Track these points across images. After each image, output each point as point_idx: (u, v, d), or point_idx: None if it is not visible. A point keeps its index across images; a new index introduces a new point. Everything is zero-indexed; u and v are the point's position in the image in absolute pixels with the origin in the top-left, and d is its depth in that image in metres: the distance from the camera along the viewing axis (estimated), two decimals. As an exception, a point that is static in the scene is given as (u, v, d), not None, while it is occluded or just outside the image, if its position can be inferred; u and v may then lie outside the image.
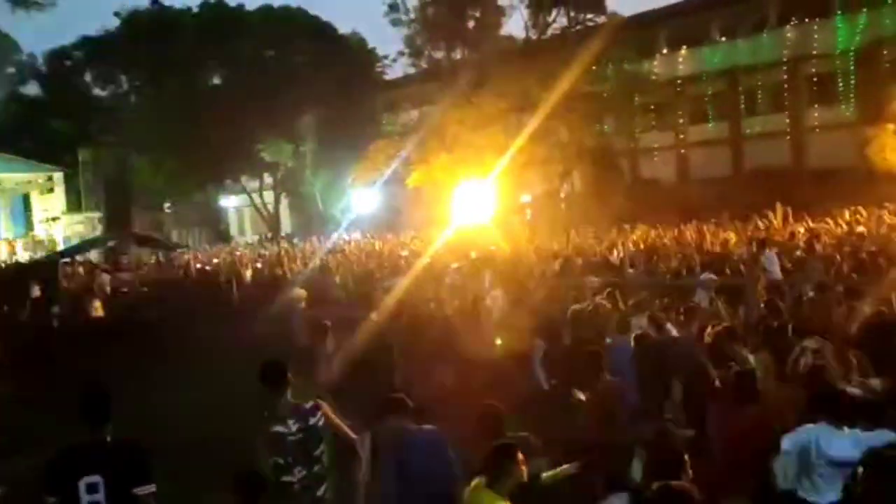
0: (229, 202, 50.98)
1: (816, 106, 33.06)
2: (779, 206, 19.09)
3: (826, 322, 8.00)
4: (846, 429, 4.80)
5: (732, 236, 16.19)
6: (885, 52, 28.08)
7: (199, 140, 35.79)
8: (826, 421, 4.85)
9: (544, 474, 5.13)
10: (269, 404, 5.27)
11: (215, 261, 23.59)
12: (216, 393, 9.83)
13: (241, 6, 41.23)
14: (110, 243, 29.75)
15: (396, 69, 39.91)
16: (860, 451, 4.26)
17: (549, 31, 33.65)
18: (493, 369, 8.81)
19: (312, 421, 5.27)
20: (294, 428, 5.16)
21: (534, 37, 33.65)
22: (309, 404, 5.36)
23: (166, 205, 46.84)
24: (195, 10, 41.98)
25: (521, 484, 4.41)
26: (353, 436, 5.55)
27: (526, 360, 9.37)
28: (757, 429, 5.43)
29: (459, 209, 22.87)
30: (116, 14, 41.63)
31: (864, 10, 30.60)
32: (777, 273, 11.95)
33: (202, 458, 7.54)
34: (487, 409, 5.37)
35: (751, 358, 6.92)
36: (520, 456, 4.42)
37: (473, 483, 4.47)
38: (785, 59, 33.26)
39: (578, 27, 32.90)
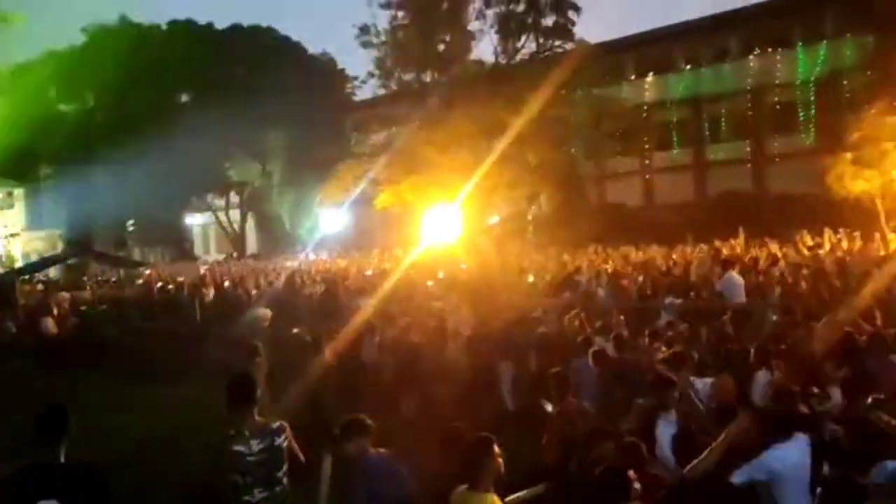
0: (194, 220, 50.42)
1: (778, 134, 33.81)
2: (741, 231, 19.44)
3: (788, 344, 8.09)
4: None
5: (695, 259, 16.40)
6: (844, 83, 28.81)
7: (165, 158, 35.40)
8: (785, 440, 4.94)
9: (508, 498, 5.08)
10: (235, 422, 5.13)
11: (179, 279, 23.23)
12: (173, 413, 9.64)
13: (210, 24, 41.05)
14: (71, 261, 29.21)
15: (366, 90, 40.00)
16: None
17: (519, 57, 33.98)
18: (460, 391, 8.75)
19: (277, 441, 5.14)
20: (256, 448, 5.04)
21: (503, 62, 33.94)
22: (276, 424, 5.23)
23: (129, 222, 46.14)
24: (164, 26, 41.70)
25: None
26: (303, 459, 5.44)
27: (493, 383, 9.34)
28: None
29: (428, 230, 22.90)
30: (83, 29, 41.20)
31: (824, 41, 31.48)
32: (741, 295, 12.07)
33: (159, 480, 7.35)
34: (451, 431, 5.32)
35: (699, 383, 6.95)
36: (495, 448, 4.43)
37: (456, 492, 4.45)
38: (748, 88, 34.06)
39: (547, 53, 33.27)
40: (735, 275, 12.66)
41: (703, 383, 6.97)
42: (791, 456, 4.99)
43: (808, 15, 31.38)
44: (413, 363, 9.18)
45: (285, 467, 5.18)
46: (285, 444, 5.18)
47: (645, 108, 36.26)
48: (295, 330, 10.53)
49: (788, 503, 4.94)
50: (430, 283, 14.94)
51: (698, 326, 9.79)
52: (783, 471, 4.92)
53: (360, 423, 5.39)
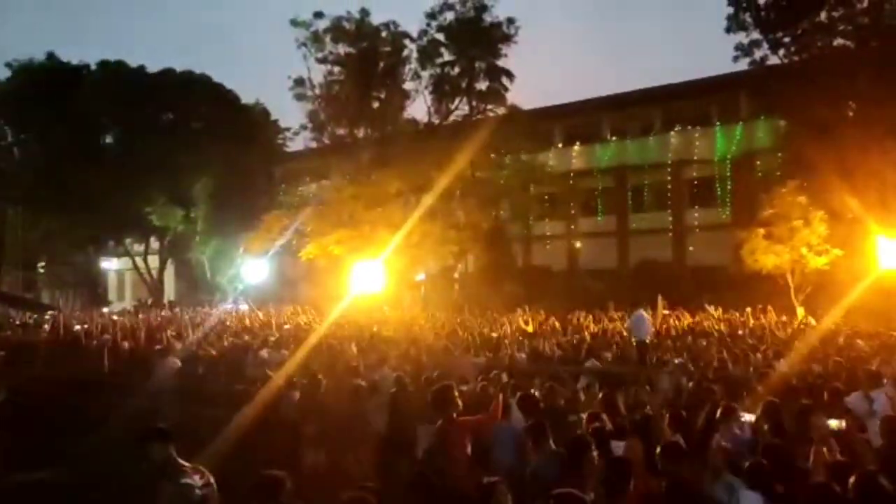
0: (111, 264, 48.77)
1: (696, 207, 35.16)
2: (660, 299, 19.91)
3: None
4: None
5: (618, 324, 16.70)
6: (757, 162, 30.29)
7: (83, 199, 34.30)
8: None
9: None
10: (163, 465, 5.06)
11: (85, 326, 22.23)
12: (73, 468, 9.05)
13: (141, 67, 40.42)
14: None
15: (298, 142, 39.89)
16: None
17: (451, 118, 34.62)
18: (377, 452, 8.52)
19: (210, 479, 5.13)
20: (200, 482, 5.01)
21: (436, 121, 34.49)
22: (200, 466, 5.22)
23: (40, 264, 44.27)
24: (93, 66, 40.89)
25: None
26: None
27: (414, 443, 9.12)
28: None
29: (353, 284, 22.69)
30: (8, 65, 39.98)
31: (740, 122, 33.15)
32: (648, 331, 12.58)
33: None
34: (357, 496, 5.12)
35: (616, 446, 6.97)
36: None
37: None
38: (669, 162, 35.42)
39: (479, 116, 33.98)
40: (643, 313, 13.26)
41: (617, 446, 6.97)
42: None
43: (725, 96, 33.07)
44: (327, 420, 8.90)
45: None
46: (214, 485, 5.14)
47: (571, 174, 37.24)
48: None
49: None
50: (353, 346, 14.66)
51: (615, 391, 9.85)
52: None
53: (276, 481, 5.23)
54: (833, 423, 6.96)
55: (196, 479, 5.04)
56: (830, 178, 20.47)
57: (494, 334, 16.26)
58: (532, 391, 8.80)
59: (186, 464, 5.15)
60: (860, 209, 19.71)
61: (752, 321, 18.03)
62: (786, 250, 22.78)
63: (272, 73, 67.69)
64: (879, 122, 20.57)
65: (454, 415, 6.93)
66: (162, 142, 34.94)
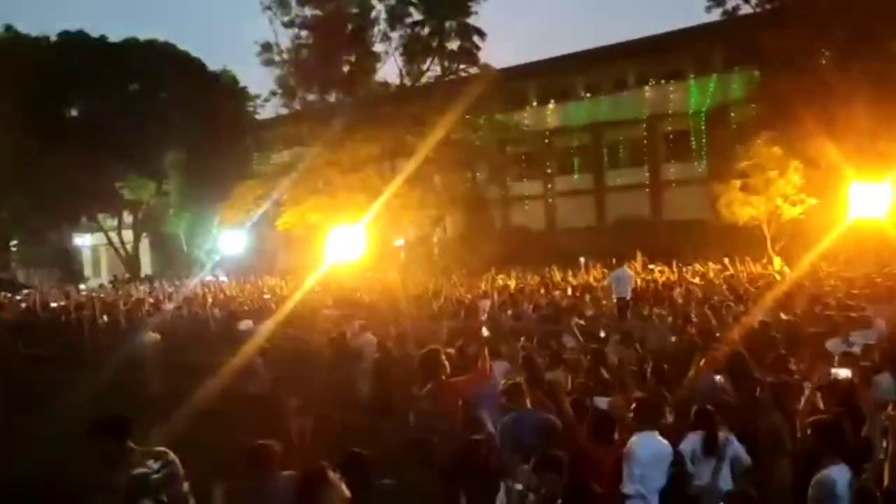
0: (84, 241, 48.09)
1: (672, 161, 35.20)
2: (639, 255, 19.98)
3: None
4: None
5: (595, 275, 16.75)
6: (732, 114, 30.29)
7: (52, 175, 33.62)
8: None
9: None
10: (115, 461, 4.86)
11: (62, 303, 21.95)
12: (54, 444, 8.94)
13: (103, 37, 39.40)
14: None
15: (269, 109, 39.27)
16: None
17: (424, 79, 34.20)
18: (363, 416, 8.52)
19: (171, 457, 4.96)
20: (156, 467, 4.85)
21: (408, 83, 34.07)
22: (160, 448, 5.03)
23: (13, 242, 43.54)
24: (54, 38, 39.81)
25: None
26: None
27: (398, 408, 9.10)
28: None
29: (331, 252, 22.50)
30: (-36, 39, 38.80)
31: (714, 75, 33.07)
32: (628, 289, 12.65)
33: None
34: (352, 457, 5.13)
35: (601, 402, 7.00)
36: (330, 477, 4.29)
37: None
38: (644, 117, 35.34)
39: (452, 77, 33.60)
40: (626, 269, 13.41)
41: (604, 402, 7.00)
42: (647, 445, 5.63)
43: (698, 48, 32.91)
44: (309, 386, 8.85)
45: (188, 484, 5.01)
46: (178, 464, 5.00)
47: (547, 133, 37.09)
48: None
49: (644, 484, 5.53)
50: (326, 311, 14.59)
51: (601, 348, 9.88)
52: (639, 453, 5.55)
53: (268, 450, 5.24)
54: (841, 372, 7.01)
55: (152, 464, 4.86)
56: (806, 126, 20.50)
57: (470, 295, 16.26)
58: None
59: (141, 450, 4.96)
60: (836, 156, 19.78)
61: (730, 271, 18.14)
62: (761, 201, 22.91)
63: (238, 39, 66.34)
64: (855, 66, 20.59)
65: (443, 377, 6.93)
66: (129, 113, 34.24)
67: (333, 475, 4.31)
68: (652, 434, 5.75)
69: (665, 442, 5.79)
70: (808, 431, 5.20)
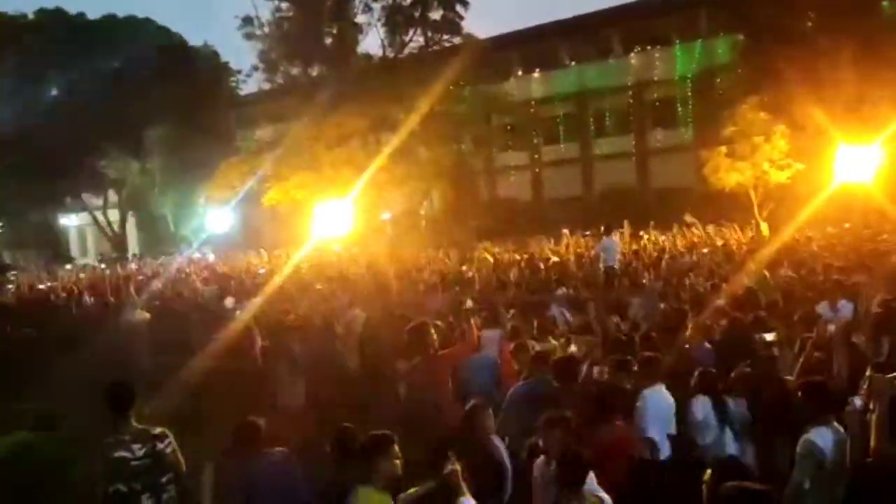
0: (70, 221, 47.75)
1: (659, 129, 35.15)
2: (626, 223, 20.00)
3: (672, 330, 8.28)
4: None
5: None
6: (718, 80, 30.17)
7: (34, 155, 33.25)
8: None
9: (401, 496, 4.93)
10: (113, 428, 4.94)
11: (50, 284, 21.86)
12: (46, 422, 8.91)
13: (81, 14, 38.80)
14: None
15: (251, 84, 38.91)
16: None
17: (407, 51, 33.85)
18: (354, 390, 8.53)
19: (160, 446, 4.99)
20: (139, 453, 4.89)
21: (391, 55, 33.73)
22: (157, 430, 5.08)
23: (-2, 224, 43.23)
24: (31, 16, 39.18)
25: None
26: (184, 468, 5.20)
27: (387, 382, 9.12)
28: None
29: (318, 227, 22.45)
30: (-62, 18, 38.14)
31: (699, 40, 32.92)
32: (616, 257, 12.74)
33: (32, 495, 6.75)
34: (342, 431, 5.16)
35: (596, 370, 7.04)
36: (394, 449, 4.43)
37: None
38: (630, 84, 35.20)
39: (435, 47, 33.28)
40: (613, 238, 13.60)
41: (598, 370, 7.04)
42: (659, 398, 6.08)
43: (683, 14, 32.74)
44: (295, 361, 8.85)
45: (171, 474, 5.04)
46: (169, 451, 5.04)
47: (532, 103, 36.90)
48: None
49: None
50: (318, 286, 14.56)
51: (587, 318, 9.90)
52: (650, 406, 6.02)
53: (247, 428, 5.28)
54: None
55: (135, 449, 4.89)
56: (792, 90, 20.45)
57: (464, 267, 16.27)
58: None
59: (137, 427, 5.00)
60: (822, 120, 19.77)
61: (717, 239, 18.21)
62: (748, 167, 22.89)
63: (218, 13, 65.35)
64: (841, 29, 20.51)
65: (431, 350, 6.97)
66: (110, 90, 33.83)
67: None
68: (659, 387, 6.16)
69: (669, 395, 6.18)
70: (798, 393, 5.24)
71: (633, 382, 6.32)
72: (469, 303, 10.23)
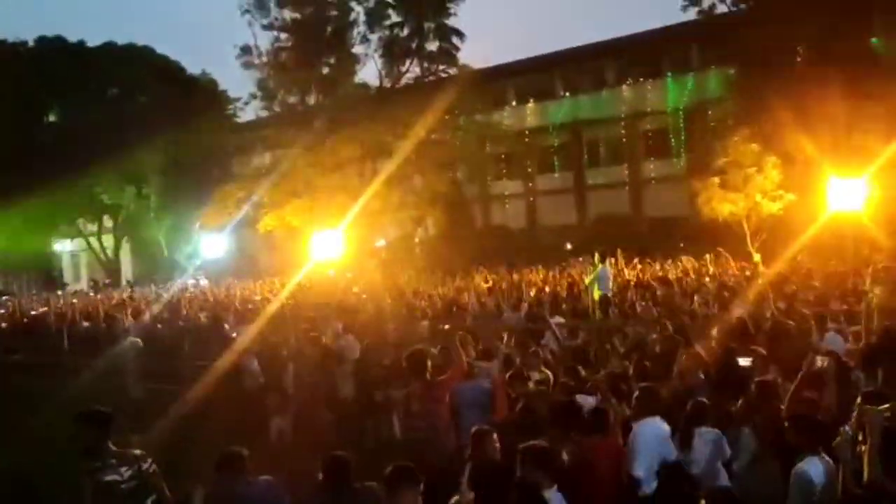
0: (64, 246, 47.65)
1: (652, 159, 35.42)
2: (619, 252, 20.05)
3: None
4: None
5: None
6: (710, 112, 30.50)
7: (29, 180, 33.30)
8: None
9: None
10: (95, 453, 4.92)
11: (42, 309, 21.76)
12: (33, 448, 8.87)
13: (81, 42, 39.13)
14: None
15: (248, 112, 39.12)
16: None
17: (403, 81, 34.22)
18: (347, 418, 8.53)
19: (144, 467, 5.02)
20: (127, 475, 4.90)
21: (388, 85, 34.07)
22: (137, 451, 5.11)
23: (-9, 249, 43.04)
24: (31, 43, 39.50)
25: None
26: (168, 494, 5.18)
27: (381, 409, 9.12)
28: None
29: (313, 253, 22.46)
30: (-59, 46, 38.43)
31: (692, 73, 33.32)
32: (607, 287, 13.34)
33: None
34: (334, 459, 5.13)
35: (590, 399, 7.03)
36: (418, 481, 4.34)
37: None
38: (623, 115, 35.53)
39: (431, 78, 33.64)
40: (606, 266, 13.80)
41: (584, 400, 7.03)
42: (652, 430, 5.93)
43: (675, 47, 33.15)
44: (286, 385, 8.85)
45: (155, 496, 5.04)
46: (152, 471, 5.05)
47: (527, 132, 37.20)
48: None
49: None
50: (311, 313, 14.57)
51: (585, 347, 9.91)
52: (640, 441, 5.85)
53: (232, 456, 5.21)
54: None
55: (123, 472, 4.90)
56: (783, 122, 20.69)
57: (455, 297, 16.26)
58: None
59: (117, 450, 5.00)
60: (813, 151, 19.99)
61: (710, 268, 18.27)
62: (741, 197, 23.07)
63: (217, 42, 66.05)
64: (829, 62, 20.80)
65: (428, 377, 6.99)
66: (107, 117, 33.99)
67: None
68: (653, 419, 6.01)
69: (665, 425, 6.05)
70: (787, 425, 5.27)
71: (629, 412, 6.29)
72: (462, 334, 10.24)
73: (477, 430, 5.60)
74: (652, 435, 5.93)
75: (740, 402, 6.47)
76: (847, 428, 5.71)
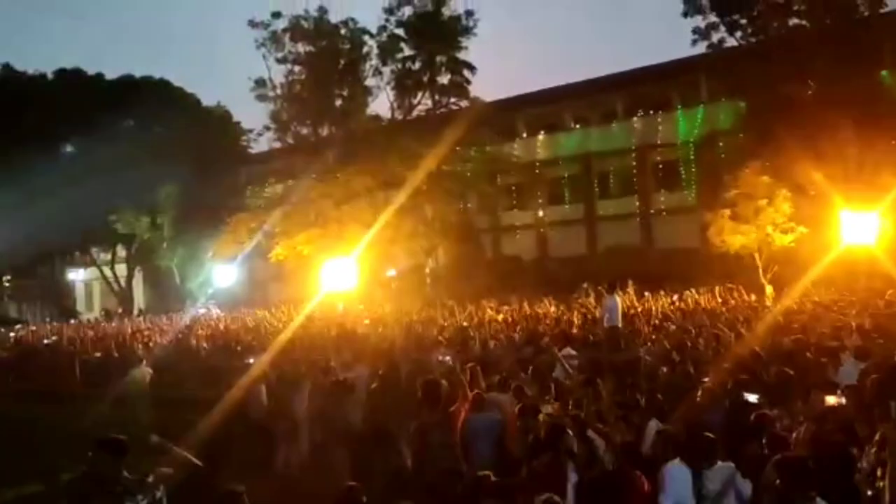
0: (77, 275, 47.98)
1: (662, 190, 35.44)
2: (630, 283, 20.01)
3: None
4: None
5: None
6: (720, 144, 30.55)
7: (44, 210, 33.64)
8: None
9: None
10: (112, 478, 4.97)
11: (54, 338, 21.88)
12: (43, 480, 8.90)
13: (99, 75, 39.80)
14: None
15: (262, 143, 39.52)
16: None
17: (415, 113, 34.53)
18: (357, 448, 8.48)
19: (158, 495, 5.09)
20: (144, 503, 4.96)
21: (399, 117, 34.38)
22: (150, 478, 5.14)
23: (6, 277, 43.43)
24: (50, 76, 40.19)
25: None
26: None
27: (392, 439, 9.08)
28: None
29: (324, 283, 22.53)
30: (-37, 76, 39.16)
31: (702, 105, 33.46)
32: (618, 317, 13.04)
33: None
34: (348, 492, 5.13)
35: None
36: None
37: None
38: (633, 147, 35.64)
39: (443, 110, 33.94)
40: (616, 297, 13.67)
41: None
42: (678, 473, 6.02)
43: (685, 80, 33.31)
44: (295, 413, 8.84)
45: None
46: (164, 499, 5.13)
47: (537, 164, 37.35)
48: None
49: None
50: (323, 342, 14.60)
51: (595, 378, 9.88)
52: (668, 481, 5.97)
53: (235, 495, 5.14)
54: (831, 400, 7.07)
55: (139, 500, 4.96)
56: (794, 155, 20.69)
57: (465, 324, 16.27)
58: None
59: (132, 478, 5.04)
60: (824, 184, 19.95)
61: (720, 300, 18.20)
62: (752, 230, 22.99)
63: (232, 74, 67.04)
64: (839, 96, 20.86)
65: (443, 407, 6.99)
66: (123, 148, 34.37)
67: None
68: (677, 461, 6.10)
69: (686, 468, 6.12)
70: (777, 471, 5.10)
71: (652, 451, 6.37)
72: (448, 359, 10.24)
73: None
74: (678, 477, 6.02)
75: (749, 449, 6.41)
76: (864, 463, 5.67)
